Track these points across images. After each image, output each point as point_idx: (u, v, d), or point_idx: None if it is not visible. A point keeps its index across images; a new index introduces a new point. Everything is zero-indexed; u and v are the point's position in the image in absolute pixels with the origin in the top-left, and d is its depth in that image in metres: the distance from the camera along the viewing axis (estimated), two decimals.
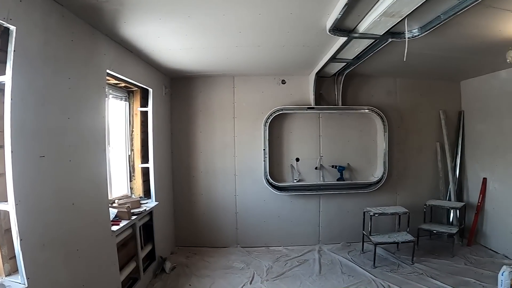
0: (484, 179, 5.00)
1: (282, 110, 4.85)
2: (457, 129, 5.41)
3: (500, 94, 4.68)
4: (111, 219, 3.07)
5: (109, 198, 3.52)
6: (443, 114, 5.31)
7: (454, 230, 4.78)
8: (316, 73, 4.61)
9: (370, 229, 4.59)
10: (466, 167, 5.39)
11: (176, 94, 4.94)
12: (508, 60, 3.12)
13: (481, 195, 4.99)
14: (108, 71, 3.06)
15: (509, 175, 4.57)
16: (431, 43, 3.34)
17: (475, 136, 5.21)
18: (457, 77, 5.30)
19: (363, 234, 4.75)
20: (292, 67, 4.56)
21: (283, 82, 4.99)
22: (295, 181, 4.92)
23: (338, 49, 3.34)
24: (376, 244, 4.33)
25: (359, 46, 3.32)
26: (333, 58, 3.80)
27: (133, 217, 3.40)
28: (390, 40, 3.02)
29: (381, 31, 2.80)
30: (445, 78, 5.31)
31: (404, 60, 3.06)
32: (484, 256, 4.65)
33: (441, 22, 2.61)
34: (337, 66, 4.34)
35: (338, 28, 2.81)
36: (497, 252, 4.72)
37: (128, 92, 4.13)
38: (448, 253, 4.68)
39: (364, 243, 4.81)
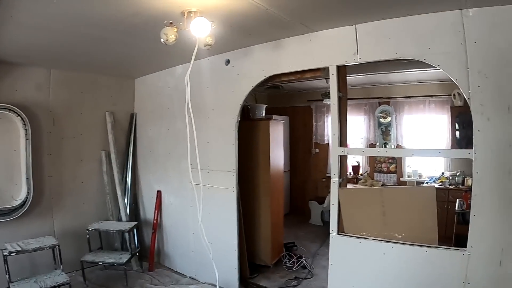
0: (159, 192, 4.36)
1: None
2: (129, 135, 4.65)
3: (174, 92, 4.10)
4: None
5: None
6: (110, 117, 4.39)
7: (124, 258, 3.84)
8: None
9: (9, 275, 3.12)
10: (140, 179, 4.66)
11: None
12: (162, 40, 2.36)
13: (156, 211, 4.31)
14: None
15: (184, 186, 3.95)
16: (59, 11, 2.24)
17: (148, 143, 4.53)
18: (131, 73, 4.51)
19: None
20: None
21: None
22: None
23: None
24: None
25: None
26: None
27: None
28: None
29: None
30: (115, 74, 4.43)
31: None
32: (168, 282, 3.99)
33: None
34: None
35: None
36: (183, 275, 4.14)
37: None
38: (123, 286, 3.77)
39: None
